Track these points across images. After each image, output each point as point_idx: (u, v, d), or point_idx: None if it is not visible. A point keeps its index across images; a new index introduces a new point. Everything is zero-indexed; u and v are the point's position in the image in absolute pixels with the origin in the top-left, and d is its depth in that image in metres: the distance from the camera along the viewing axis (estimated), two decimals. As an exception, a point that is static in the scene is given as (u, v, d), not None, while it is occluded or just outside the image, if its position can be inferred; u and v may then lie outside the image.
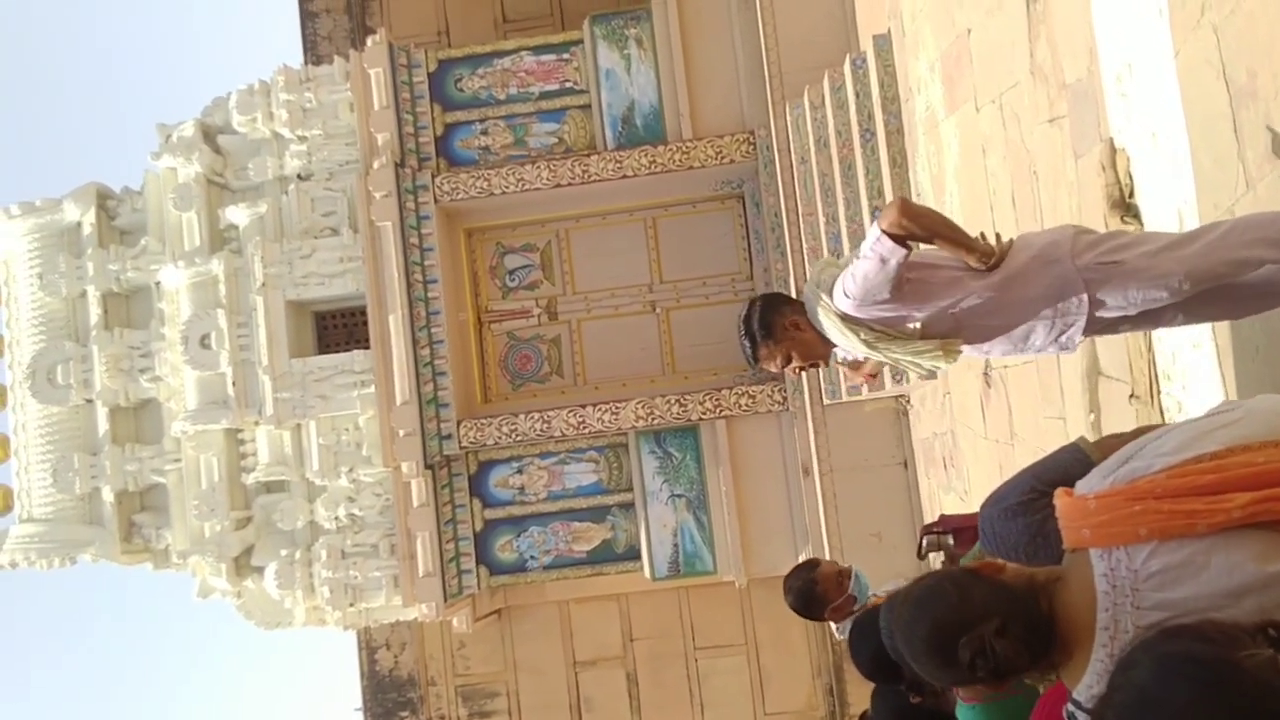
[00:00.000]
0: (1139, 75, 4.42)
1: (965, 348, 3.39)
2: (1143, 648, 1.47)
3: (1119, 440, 3.15)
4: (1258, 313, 3.32)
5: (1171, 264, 3.10)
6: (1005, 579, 1.87)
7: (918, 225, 3.21)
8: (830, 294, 3.39)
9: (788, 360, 3.53)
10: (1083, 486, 1.89)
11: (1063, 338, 3.30)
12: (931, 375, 3.46)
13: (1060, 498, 1.92)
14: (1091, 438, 2.99)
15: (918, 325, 3.34)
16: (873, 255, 3.22)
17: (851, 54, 8.72)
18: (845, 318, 3.37)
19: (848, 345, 3.46)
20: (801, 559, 9.37)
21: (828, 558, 8.97)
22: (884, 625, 1.95)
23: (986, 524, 2.99)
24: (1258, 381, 3.72)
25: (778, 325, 3.50)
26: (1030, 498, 2.87)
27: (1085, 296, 3.19)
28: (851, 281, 3.29)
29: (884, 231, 3.19)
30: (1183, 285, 3.09)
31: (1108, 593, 1.75)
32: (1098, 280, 3.18)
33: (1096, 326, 3.32)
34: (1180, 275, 3.08)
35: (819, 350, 3.55)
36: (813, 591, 4.06)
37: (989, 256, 3.27)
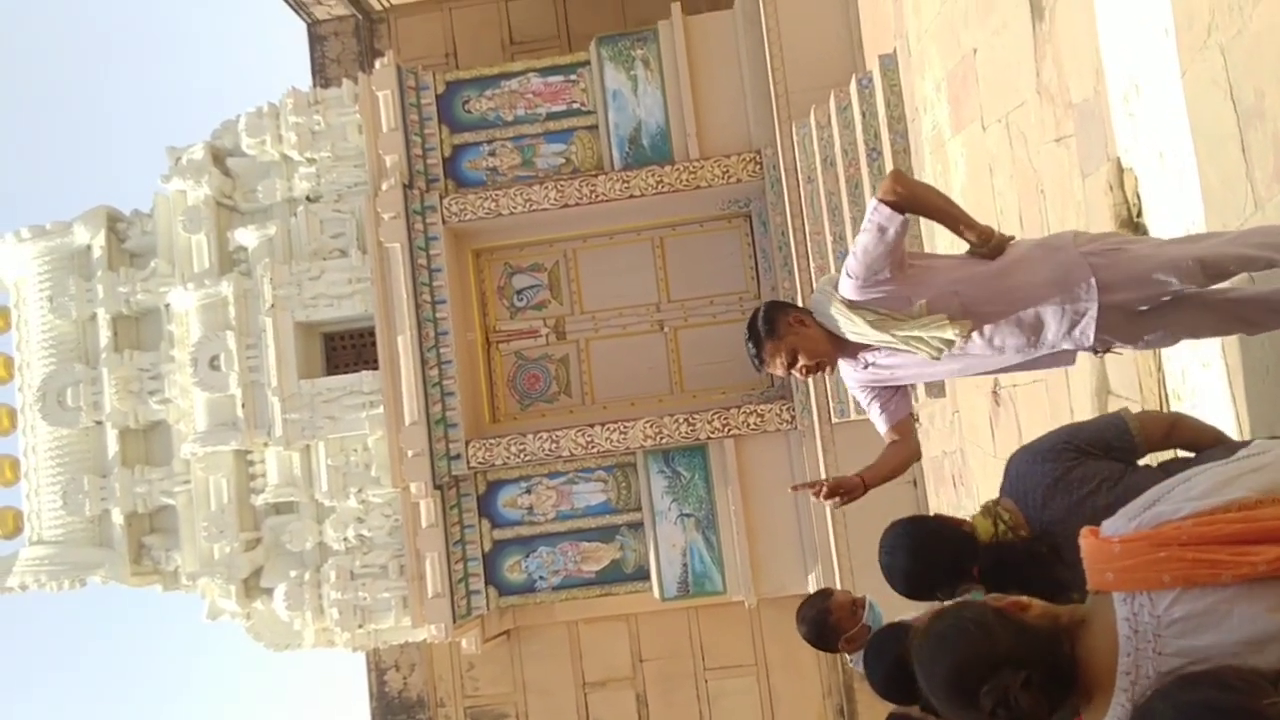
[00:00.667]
0: (1146, 95, 4.42)
1: (977, 339, 3.32)
2: (1161, 695, 1.46)
3: (1158, 419, 3.16)
4: (1273, 329, 3.33)
5: (1179, 251, 3.14)
6: (1030, 620, 1.85)
7: (912, 192, 3.26)
8: (836, 287, 3.41)
9: (793, 358, 3.46)
10: (1109, 528, 1.87)
11: (1076, 330, 3.26)
12: (946, 347, 3.33)
13: (1086, 539, 1.90)
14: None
15: (923, 303, 3.29)
16: (871, 226, 3.24)
17: (857, 74, 8.75)
18: (850, 303, 3.35)
19: (856, 332, 3.40)
20: (812, 583, 9.35)
21: (838, 580, 8.96)
22: (913, 655, 1.95)
23: (1012, 466, 3.03)
24: (1268, 402, 3.72)
25: (781, 322, 3.46)
26: (1060, 448, 2.91)
27: (1093, 280, 3.18)
28: (853, 259, 3.31)
29: (880, 199, 3.23)
30: (1193, 268, 3.11)
31: (1129, 637, 1.74)
32: (1104, 265, 3.19)
33: (1110, 322, 3.28)
34: (1191, 259, 3.11)
35: (823, 348, 3.48)
36: (826, 622, 4.02)
37: (987, 235, 3.30)
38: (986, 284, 3.30)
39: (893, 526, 3.17)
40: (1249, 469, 1.82)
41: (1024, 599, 1.92)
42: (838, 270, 3.54)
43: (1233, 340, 3.87)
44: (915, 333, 3.31)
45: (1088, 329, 3.26)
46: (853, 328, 3.40)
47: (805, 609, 4.11)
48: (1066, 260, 3.22)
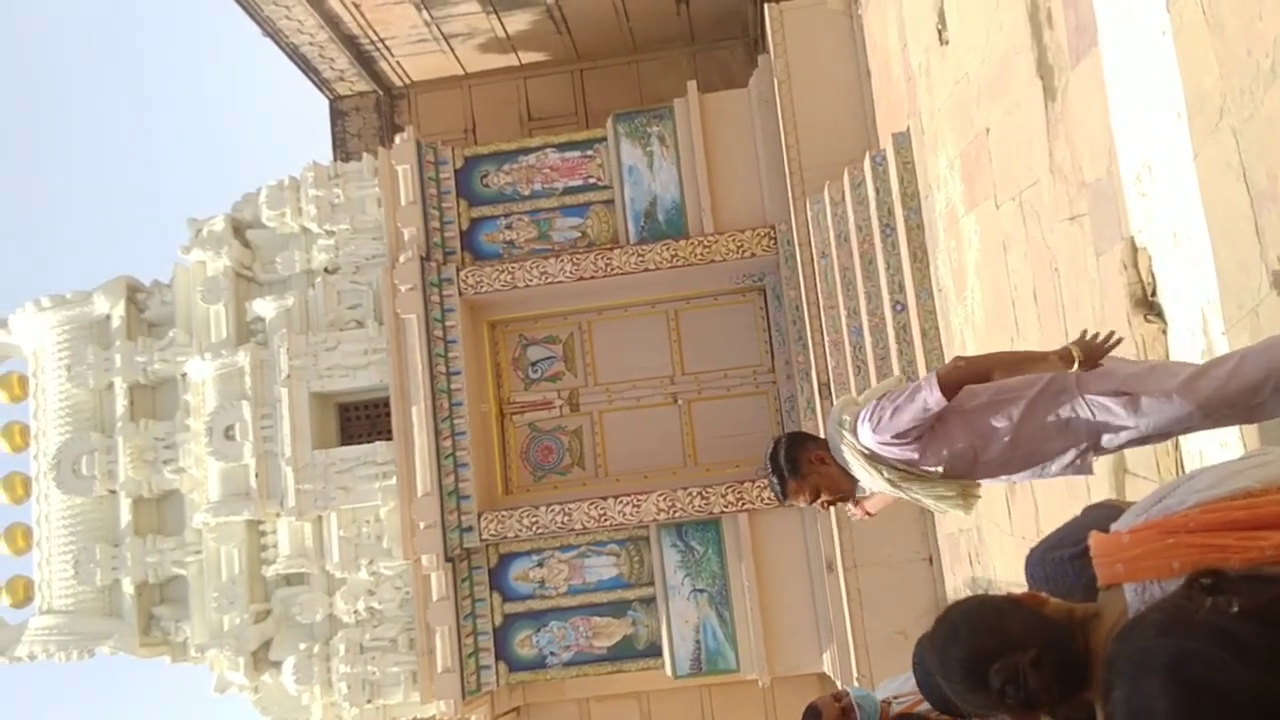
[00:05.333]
0: (1159, 176, 4.45)
1: (986, 482, 3.45)
2: (1107, 667, 1.46)
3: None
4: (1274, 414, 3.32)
5: (1184, 399, 3.13)
6: (1046, 611, 1.88)
7: (973, 368, 3.30)
8: (855, 432, 3.42)
9: (815, 495, 3.59)
10: (1118, 526, 1.89)
11: (1079, 461, 3.33)
12: (968, 508, 3.54)
13: (1095, 536, 1.92)
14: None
15: (940, 469, 3.37)
16: (917, 401, 3.26)
17: (871, 151, 8.83)
18: (870, 455, 3.41)
19: (872, 482, 3.50)
20: (826, 662, 9.20)
21: (853, 660, 8.82)
22: (918, 647, 1.98)
23: (1040, 568, 2.98)
24: (1289, 483, 3.67)
25: (803, 461, 3.56)
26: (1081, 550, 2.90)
27: (1095, 421, 3.22)
28: (883, 417, 3.32)
29: (939, 378, 3.25)
30: (1193, 418, 3.14)
31: None
32: (1108, 414, 3.22)
33: (1109, 450, 3.37)
34: (1193, 410, 3.12)
35: (844, 485, 3.59)
36: None
37: (1067, 357, 3.28)
38: (993, 441, 3.34)
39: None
40: (1253, 464, 1.84)
41: (1041, 594, 1.95)
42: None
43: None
44: (930, 499, 3.47)
45: (1090, 463, 3.35)
46: (868, 478, 3.51)
47: None
48: (1072, 405, 3.26)
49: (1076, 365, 3.26)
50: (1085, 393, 3.22)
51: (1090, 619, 1.83)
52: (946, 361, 3.43)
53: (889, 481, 3.42)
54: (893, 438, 3.31)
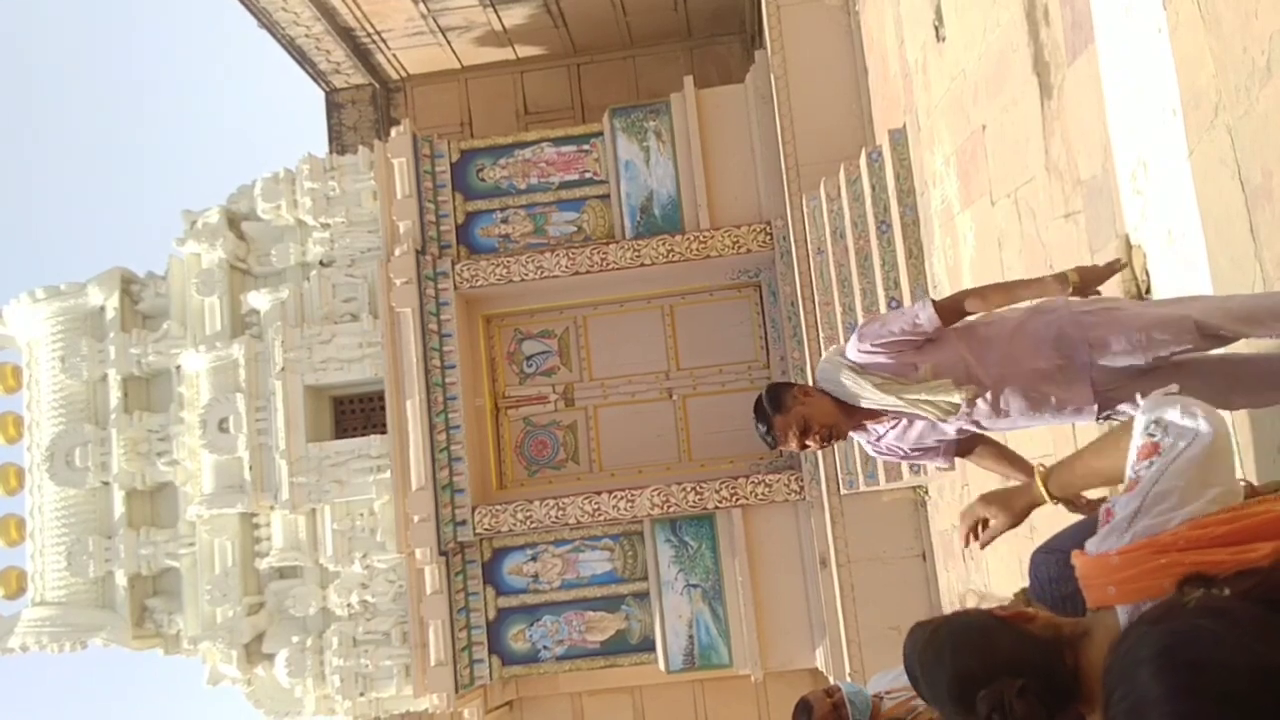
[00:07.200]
0: (1154, 173, 4.46)
1: (982, 403, 3.40)
2: (1105, 673, 1.45)
3: None
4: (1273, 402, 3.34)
5: (1174, 309, 3.18)
6: (1033, 630, 1.87)
7: (970, 294, 3.39)
8: (843, 355, 3.51)
9: (804, 427, 3.51)
10: (1094, 547, 1.88)
11: (1075, 394, 3.35)
12: (953, 410, 3.41)
13: (1079, 558, 1.91)
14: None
15: (928, 367, 3.39)
16: (909, 315, 3.36)
17: (867, 147, 8.84)
18: (858, 367, 3.45)
19: (864, 394, 3.48)
20: (819, 657, 9.22)
21: (845, 656, 8.83)
22: (907, 653, 1.97)
23: (1043, 569, 2.97)
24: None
25: (786, 396, 3.56)
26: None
27: (1090, 337, 3.27)
28: (871, 326, 3.43)
29: (933, 301, 3.34)
30: (1188, 326, 3.15)
31: None
32: (1099, 323, 3.26)
33: (1111, 384, 3.34)
34: (1181, 316, 3.15)
35: (832, 415, 3.53)
36: None
37: (1063, 280, 3.33)
38: (988, 351, 3.39)
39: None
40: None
41: (1029, 610, 1.94)
42: (847, 341, 3.59)
43: (1243, 419, 3.85)
44: (922, 395, 3.39)
45: (1087, 396, 3.33)
46: (861, 391, 3.47)
47: None
48: (1061, 320, 3.32)
49: (1071, 290, 3.32)
50: (1073, 307, 3.28)
51: (1080, 637, 1.82)
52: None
53: (878, 388, 3.43)
54: (874, 345, 3.38)
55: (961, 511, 2.77)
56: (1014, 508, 2.72)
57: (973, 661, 1.83)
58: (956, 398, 3.35)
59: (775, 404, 3.53)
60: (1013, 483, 3.20)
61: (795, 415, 3.50)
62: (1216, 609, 1.35)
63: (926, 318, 3.33)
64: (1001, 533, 2.76)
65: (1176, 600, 1.45)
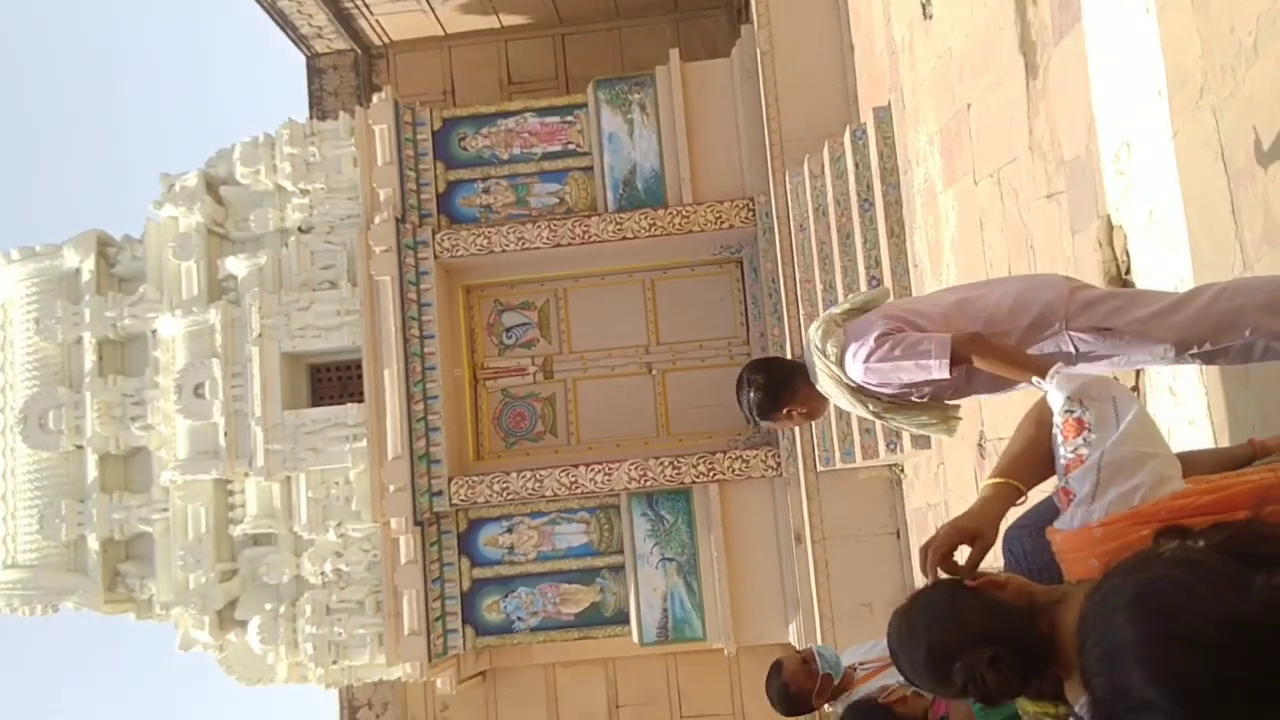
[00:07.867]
0: (1137, 154, 4.46)
1: (982, 398, 3.52)
2: (1079, 624, 1.45)
3: None
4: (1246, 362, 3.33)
5: (1162, 332, 3.16)
6: (1005, 597, 1.88)
7: (984, 350, 3.24)
8: (841, 364, 3.41)
9: (790, 417, 3.66)
10: (1064, 524, 1.89)
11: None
12: (956, 424, 3.57)
13: (1055, 534, 1.92)
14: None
15: (925, 396, 3.41)
16: (919, 362, 3.24)
17: (852, 125, 8.81)
18: (853, 386, 3.43)
19: (859, 412, 3.53)
20: (792, 632, 9.28)
21: (818, 630, 8.89)
22: (888, 636, 1.98)
23: (1014, 540, 2.98)
24: (1254, 462, 3.70)
25: (784, 396, 3.62)
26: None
27: (1074, 353, 3.27)
28: (880, 360, 3.30)
29: (953, 342, 3.20)
30: (1167, 354, 3.16)
31: None
32: (1089, 348, 3.26)
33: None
34: (1168, 344, 3.14)
35: (821, 409, 3.69)
36: (789, 693, 4.04)
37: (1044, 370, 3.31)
38: (987, 378, 3.34)
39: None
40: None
41: (1000, 577, 1.95)
42: (845, 351, 3.47)
43: (1219, 398, 3.87)
44: (911, 427, 3.52)
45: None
46: (851, 407, 3.52)
47: (768, 690, 4.17)
48: (1055, 340, 3.28)
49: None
50: (1070, 328, 3.24)
51: (1056, 604, 1.83)
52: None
53: (873, 413, 3.46)
54: (879, 383, 3.35)
55: (921, 546, 2.34)
56: (988, 515, 2.35)
57: (945, 635, 1.86)
58: (946, 435, 3.53)
59: (773, 398, 3.60)
60: (1015, 392, 3.33)
61: (794, 412, 3.64)
62: (1190, 559, 1.36)
63: (940, 373, 3.23)
64: (985, 554, 2.44)
65: (1152, 551, 1.46)
